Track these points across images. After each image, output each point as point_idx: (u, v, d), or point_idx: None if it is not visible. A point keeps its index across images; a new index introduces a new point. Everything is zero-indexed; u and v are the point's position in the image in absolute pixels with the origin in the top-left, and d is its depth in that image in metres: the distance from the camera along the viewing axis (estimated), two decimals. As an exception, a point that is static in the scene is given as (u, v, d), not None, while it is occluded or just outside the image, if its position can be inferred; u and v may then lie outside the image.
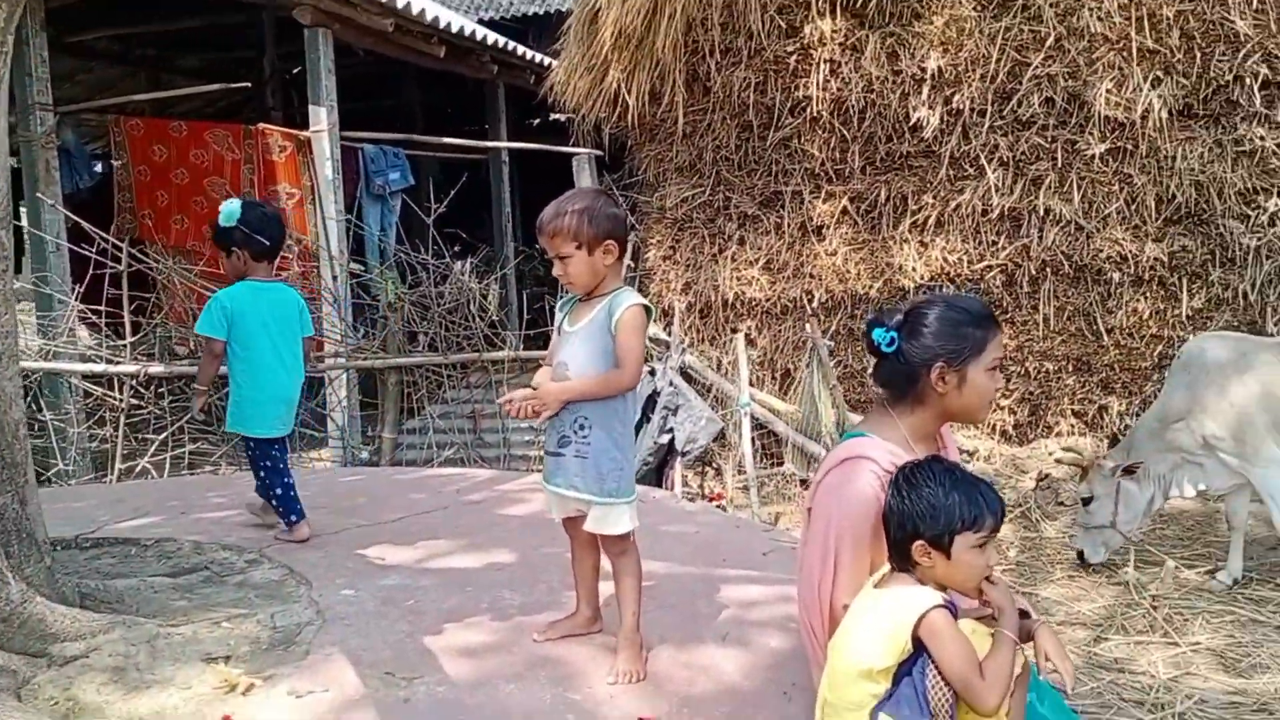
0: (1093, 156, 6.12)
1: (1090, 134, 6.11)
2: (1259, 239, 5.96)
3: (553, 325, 2.60)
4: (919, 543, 1.86)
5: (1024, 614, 1.97)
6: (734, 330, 6.96)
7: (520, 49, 9.87)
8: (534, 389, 2.39)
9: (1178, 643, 3.94)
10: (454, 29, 8.40)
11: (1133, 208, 6.15)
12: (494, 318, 7.43)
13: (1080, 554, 4.75)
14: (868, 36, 6.39)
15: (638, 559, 2.48)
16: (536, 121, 10.26)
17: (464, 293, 7.31)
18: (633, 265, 7.33)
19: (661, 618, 2.70)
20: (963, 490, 1.87)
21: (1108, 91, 5.98)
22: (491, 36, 9.35)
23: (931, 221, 6.52)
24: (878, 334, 2.10)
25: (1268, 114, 5.86)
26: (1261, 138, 5.87)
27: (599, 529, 2.40)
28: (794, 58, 6.58)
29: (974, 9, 6.20)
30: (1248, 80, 5.81)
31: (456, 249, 8.45)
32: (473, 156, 10.37)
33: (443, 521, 3.78)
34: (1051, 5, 6.04)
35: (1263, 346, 4.45)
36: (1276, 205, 5.90)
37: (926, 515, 1.86)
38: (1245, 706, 3.43)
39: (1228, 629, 4.06)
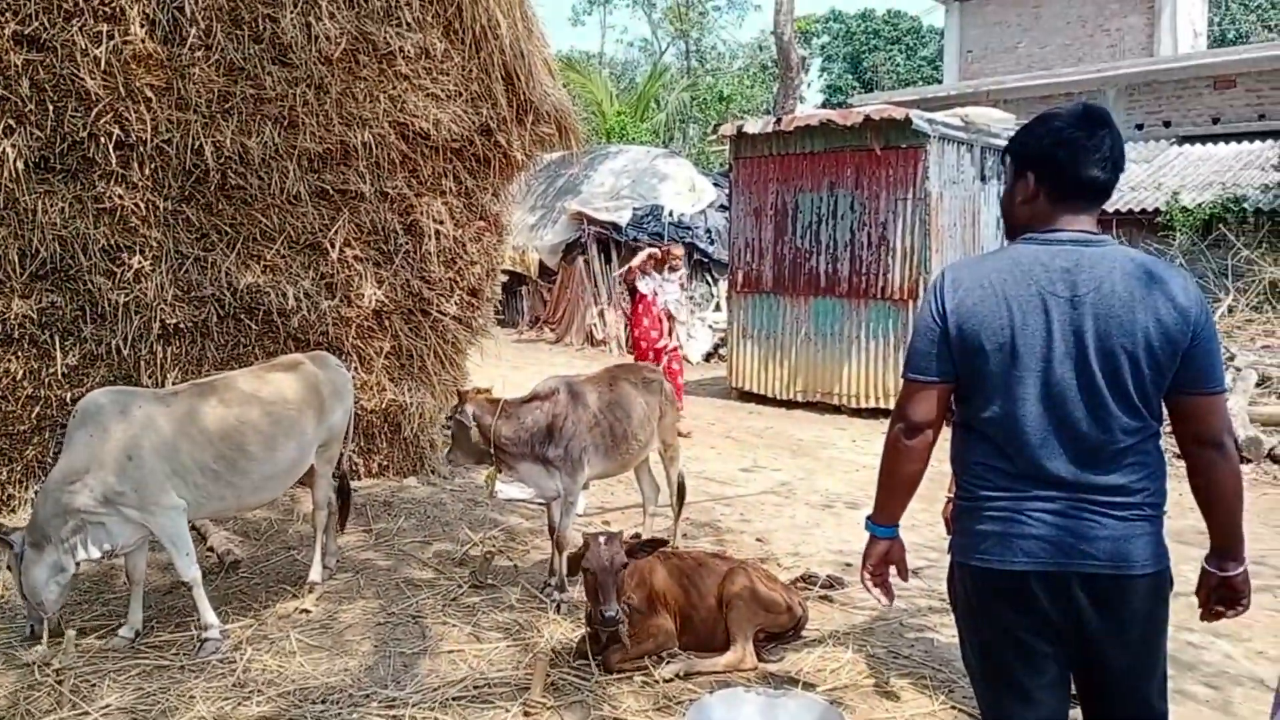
0: (-56, 204, 5.52)
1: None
2: (127, 295, 6.11)
3: None
4: None
5: None
6: None
7: None
8: None
9: (89, 711, 3.76)
10: None
11: (-4, 262, 5.73)
12: None
13: None
14: None
15: None
16: None
17: None
18: None
19: None
20: None
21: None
22: None
23: None
24: None
25: (124, 173, 6.02)
26: (120, 196, 6.03)
27: None
28: None
29: None
30: (102, 139, 5.88)
31: None
32: None
33: None
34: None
35: (151, 398, 4.50)
36: (140, 262, 6.13)
37: None
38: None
39: (136, 683, 4.03)
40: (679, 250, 10.99)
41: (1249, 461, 8.24)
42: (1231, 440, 2.33)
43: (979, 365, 2.29)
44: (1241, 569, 2.41)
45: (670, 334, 10.16)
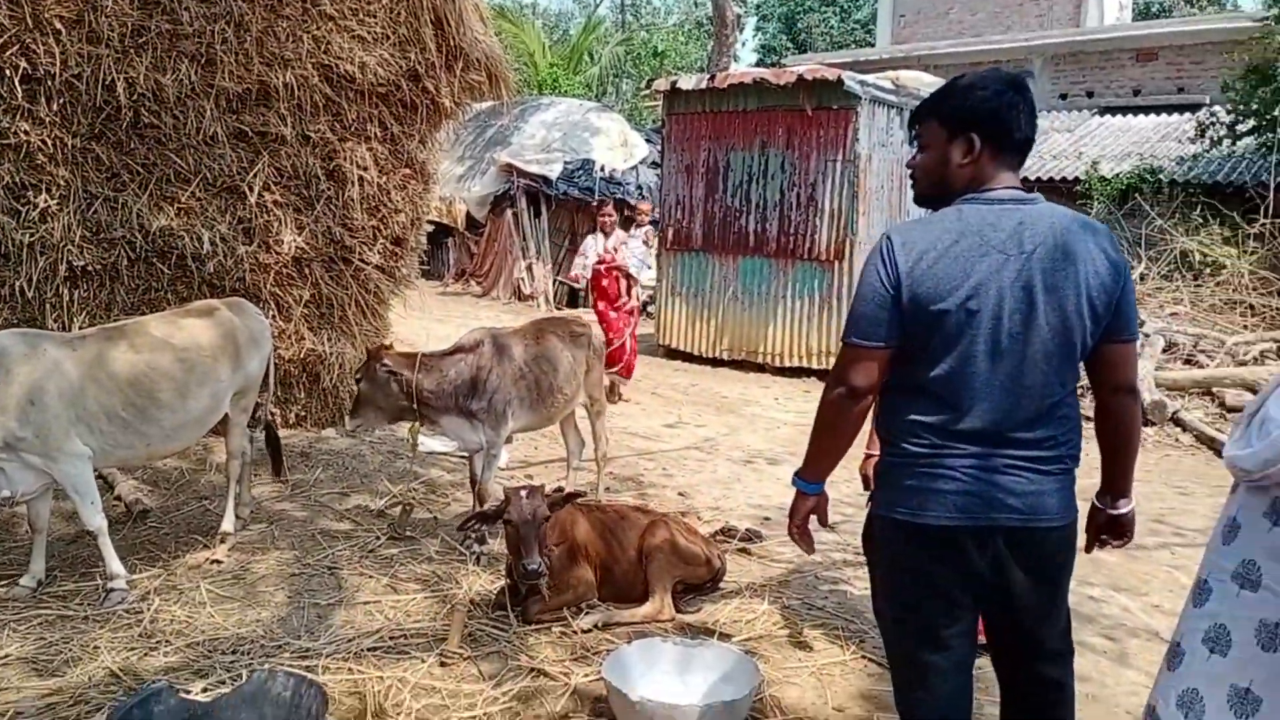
0: None
1: None
2: (32, 235, 5.87)
3: None
4: None
5: None
6: None
7: None
8: None
9: (-13, 662, 3.65)
10: None
11: (-113, 196, 5.45)
12: None
13: None
14: None
15: None
16: None
17: None
18: None
19: None
20: None
21: None
22: None
23: None
24: None
25: (31, 108, 5.76)
26: (27, 133, 5.76)
27: None
28: None
29: None
30: (8, 72, 5.61)
31: None
32: None
33: None
34: None
35: (56, 341, 4.31)
36: (47, 201, 5.88)
37: None
38: (61, 704, 3.36)
39: (38, 632, 3.92)
40: (646, 206, 10.65)
41: (1153, 424, 8.53)
42: (1138, 386, 2.45)
43: (934, 328, 2.29)
44: (1131, 506, 2.57)
45: (629, 292, 9.44)
